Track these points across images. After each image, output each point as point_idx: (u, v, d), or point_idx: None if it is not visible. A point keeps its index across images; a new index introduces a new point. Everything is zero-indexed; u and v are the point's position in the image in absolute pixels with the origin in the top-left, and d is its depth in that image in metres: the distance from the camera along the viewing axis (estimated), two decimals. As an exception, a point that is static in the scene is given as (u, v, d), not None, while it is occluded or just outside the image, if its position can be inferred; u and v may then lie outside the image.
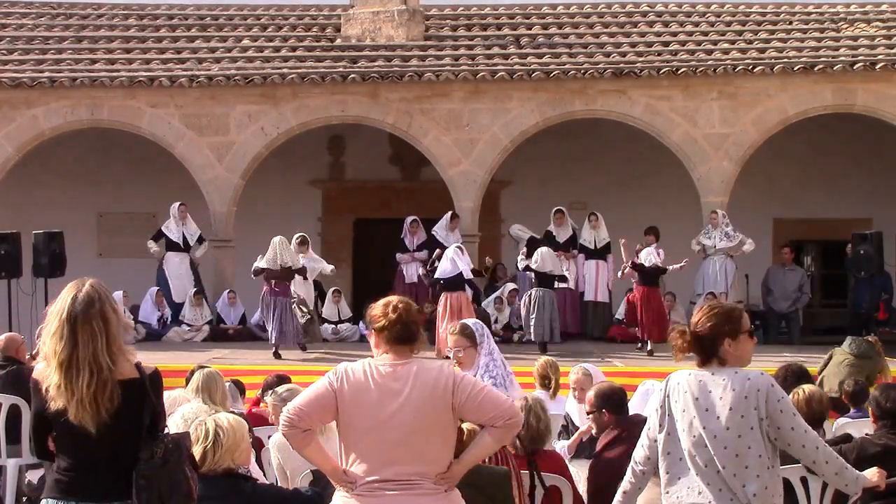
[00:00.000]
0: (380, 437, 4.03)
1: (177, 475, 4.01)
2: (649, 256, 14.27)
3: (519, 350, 14.08)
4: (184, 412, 5.62)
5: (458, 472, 4.16)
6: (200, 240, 16.45)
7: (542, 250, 14.26)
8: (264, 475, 5.97)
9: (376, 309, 4.24)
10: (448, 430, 4.12)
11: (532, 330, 13.97)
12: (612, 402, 6.04)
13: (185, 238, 16.29)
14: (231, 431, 4.74)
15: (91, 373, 3.82)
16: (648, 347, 13.97)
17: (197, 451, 4.63)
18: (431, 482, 4.05)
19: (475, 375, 5.57)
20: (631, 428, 5.64)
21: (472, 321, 6.00)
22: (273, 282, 13.74)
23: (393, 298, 4.27)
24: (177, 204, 16.39)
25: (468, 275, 13.92)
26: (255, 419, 7.37)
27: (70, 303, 3.91)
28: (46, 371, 3.92)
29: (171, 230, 16.28)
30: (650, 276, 14.31)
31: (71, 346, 3.85)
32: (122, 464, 3.90)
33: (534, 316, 13.89)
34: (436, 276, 13.96)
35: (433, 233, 15.67)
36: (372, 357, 4.23)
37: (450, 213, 15.99)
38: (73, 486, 3.93)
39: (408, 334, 4.15)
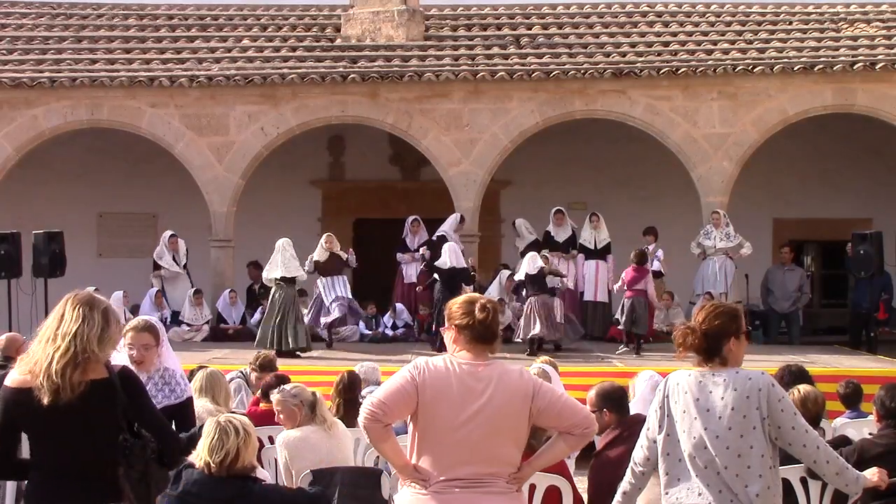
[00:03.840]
0: (458, 436, 4.01)
1: (163, 471, 4.07)
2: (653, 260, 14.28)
3: (518, 350, 14.08)
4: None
5: (528, 473, 4.22)
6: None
7: (530, 254, 14.28)
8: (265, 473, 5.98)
9: (460, 306, 4.17)
10: (522, 433, 4.13)
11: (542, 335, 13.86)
12: (613, 402, 6.03)
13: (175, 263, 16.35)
14: (252, 431, 4.79)
15: (68, 348, 3.83)
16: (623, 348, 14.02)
17: (230, 448, 4.65)
18: (504, 481, 4.07)
19: (157, 376, 5.46)
20: (632, 427, 5.63)
21: (153, 319, 5.90)
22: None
23: (481, 297, 4.25)
24: (167, 234, 16.41)
25: (457, 264, 14.02)
26: (256, 419, 7.37)
27: (74, 292, 3.99)
28: (22, 364, 3.93)
29: (164, 259, 16.26)
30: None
31: (57, 322, 3.90)
32: (101, 464, 3.90)
33: (537, 323, 13.80)
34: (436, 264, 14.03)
35: (444, 233, 15.59)
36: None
37: (459, 215, 15.99)
38: (50, 491, 3.92)
39: (490, 335, 4.13)
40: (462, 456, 4.01)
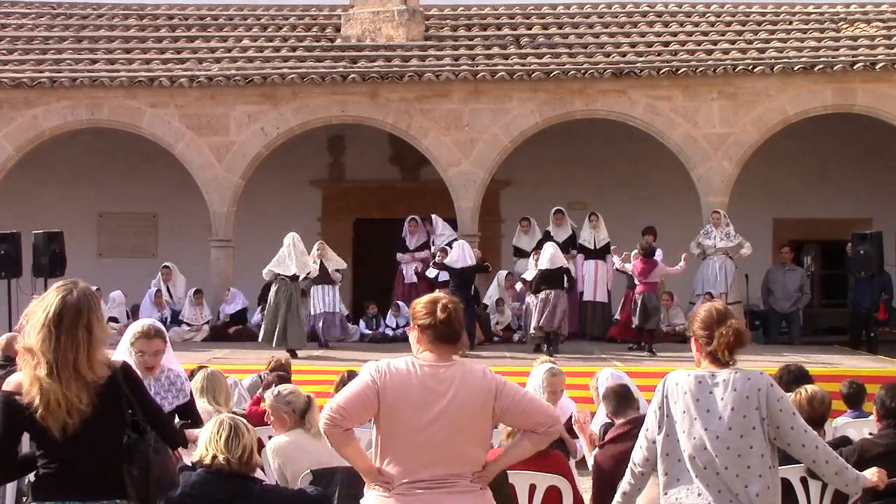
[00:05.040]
0: (421, 439, 4.00)
1: (168, 463, 4.11)
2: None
3: (519, 350, 14.09)
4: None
5: (493, 472, 4.18)
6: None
7: (548, 245, 14.30)
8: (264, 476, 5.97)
9: (423, 306, 4.15)
10: (486, 433, 4.13)
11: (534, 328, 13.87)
12: (616, 404, 6.04)
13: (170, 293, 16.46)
14: (254, 432, 4.80)
15: (68, 380, 3.81)
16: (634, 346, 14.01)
17: (247, 444, 4.67)
18: (468, 481, 4.05)
19: (163, 377, 5.55)
20: (641, 425, 5.63)
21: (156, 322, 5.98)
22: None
23: (443, 297, 4.22)
24: (162, 266, 16.64)
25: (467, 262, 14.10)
26: (257, 419, 7.36)
27: (59, 304, 3.88)
28: (21, 376, 3.90)
29: (163, 291, 16.33)
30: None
31: (53, 347, 3.84)
32: (107, 462, 3.92)
33: (541, 315, 13.81)
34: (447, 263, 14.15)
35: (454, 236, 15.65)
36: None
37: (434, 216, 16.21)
38: (57, 486, 3.93)
39: (453, 335, 4.11)
40: (426, 458, 4.00)
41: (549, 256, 13.88)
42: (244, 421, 4.80)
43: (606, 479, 5.53)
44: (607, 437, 5.93)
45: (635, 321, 13.90)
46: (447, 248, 14.77)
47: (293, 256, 13.74)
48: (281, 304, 13.61)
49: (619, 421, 5.93)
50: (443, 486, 4.00)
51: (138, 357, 5.48)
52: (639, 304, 13.74)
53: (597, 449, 6.52)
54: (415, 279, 15.96)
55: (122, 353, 5.57)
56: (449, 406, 3.99)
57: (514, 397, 4.07)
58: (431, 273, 14.97)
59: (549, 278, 13.80)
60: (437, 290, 14.26)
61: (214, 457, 4.66)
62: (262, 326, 13.91)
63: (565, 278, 14.04)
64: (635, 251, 14.10)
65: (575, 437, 7.03)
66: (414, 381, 4.02)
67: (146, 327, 5.63)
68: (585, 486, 6.36)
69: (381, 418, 4.02)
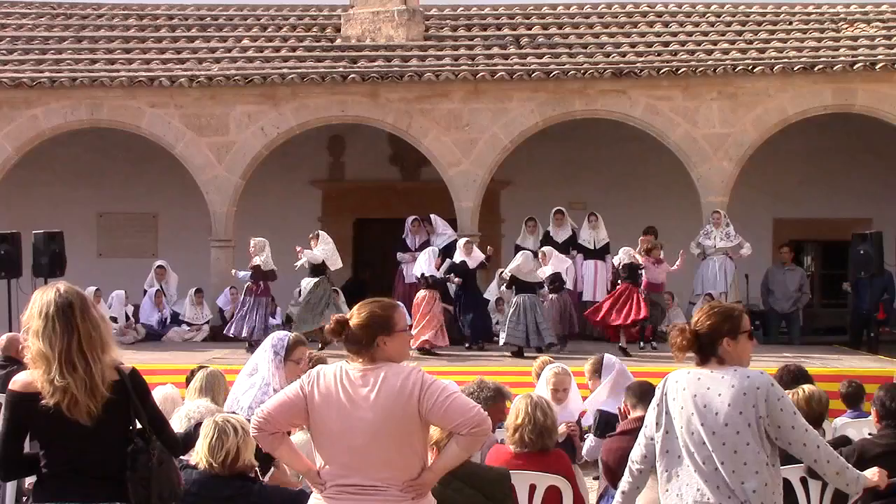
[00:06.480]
0: (347, 442, 4.01)
1: (171, 473, 4.11)
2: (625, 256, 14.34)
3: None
4: (188, 410, 5.61)
5: (429, 479, 4.11)
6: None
7: (524, 254, 14.32)
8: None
9: (333, 320, 4.26)
10: (416, 437, 4.06)
11: (506, 337, 13.81)
12: (637, 399, 6.04)
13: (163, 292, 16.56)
14: (249, 431, 4.80)
15: (87, 363, 3.85)
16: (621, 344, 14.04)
17: (230, 447, 4.69)
18: (398, 489, 4.02)
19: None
20: None
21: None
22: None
23: (350, 313, 4.25)
24: (156, 264, 16.72)
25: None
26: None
27: (55, 297, 3.92)
28: (34, 374, 3.91)
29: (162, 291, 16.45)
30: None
31: (67, 337, 3.86)
32: (110, 465, 3.94)
33: (511, 322, 13.87)
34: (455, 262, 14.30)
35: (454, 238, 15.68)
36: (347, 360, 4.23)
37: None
38: (59, 489, 3.95)
39: (356, 347, 4.15)
40: (353, 461, 4.01)
41: (553, 262, 14.14)
42: (235, 422, 4.80)
43: (613, 468, 5.55)
44: (618, 429, 5.93)
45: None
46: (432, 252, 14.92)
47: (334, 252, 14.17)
48: (320, 300, 13.85)
49: (634, 414, 5.93)
50: (372, 492, 4.00)
51: (298, 366, 5.69)
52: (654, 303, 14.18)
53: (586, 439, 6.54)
54: (415, 279, 15.90)
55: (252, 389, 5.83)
56: (372, 409, 4.00)
57: (437, 398, 4.01)
58: (418, 271, 14.92)
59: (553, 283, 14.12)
60: (424, 291, 14.44)
61: (202, 459, 4.70)
62: (302, 318, 13.94)
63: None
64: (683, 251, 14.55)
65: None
66: (339, 386, 4.06)
67: (298, 336, 5.93)
68: (588, 485, 6.36)
69: (312, 423, 4.09)
